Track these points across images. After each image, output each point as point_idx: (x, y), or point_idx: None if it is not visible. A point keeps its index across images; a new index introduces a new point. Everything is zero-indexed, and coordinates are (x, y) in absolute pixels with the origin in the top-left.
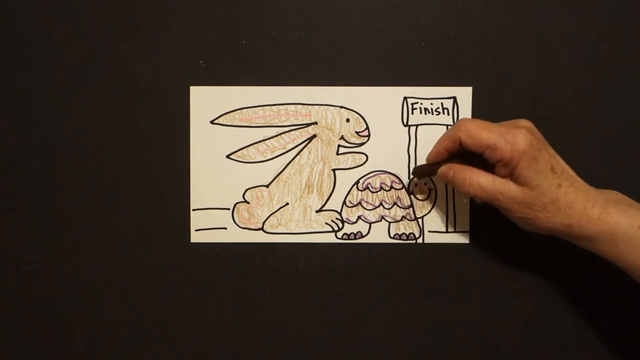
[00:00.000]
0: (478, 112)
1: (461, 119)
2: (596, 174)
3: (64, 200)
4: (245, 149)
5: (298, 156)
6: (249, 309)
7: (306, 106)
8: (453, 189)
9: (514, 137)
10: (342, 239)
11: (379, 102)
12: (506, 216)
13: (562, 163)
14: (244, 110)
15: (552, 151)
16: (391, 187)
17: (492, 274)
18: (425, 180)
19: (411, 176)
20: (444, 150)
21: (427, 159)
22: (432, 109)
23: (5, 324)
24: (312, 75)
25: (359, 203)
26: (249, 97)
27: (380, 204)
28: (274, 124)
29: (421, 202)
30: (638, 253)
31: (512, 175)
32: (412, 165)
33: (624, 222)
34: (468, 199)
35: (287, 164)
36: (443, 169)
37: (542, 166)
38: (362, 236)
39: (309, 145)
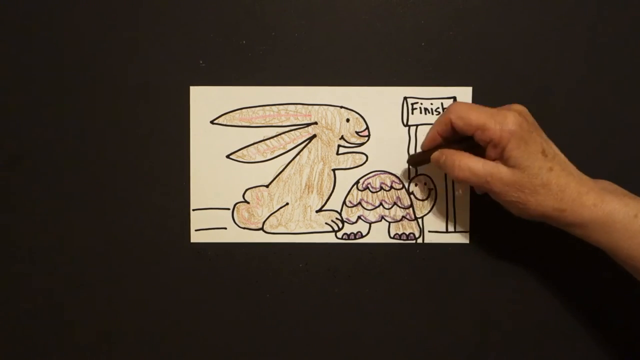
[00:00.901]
0: None
1: (453, 103)
2: (596, 172)
3: (64, 200)
4: (245, 149)
5: (298, 156)
6: (249, 309)
7: (306, 106)
8: (453, 188)
9: (504, 118)
10: (342, 239)
11: (379, 102)
12: (501, 206)
13: (555, 148)
14: (244, 110)
15: (544, 136)
16: (391, 187)
17: (492, 274)
18: (426, 180)
19: (407, 165)
20: (437, 135)
21: (421, 146)
22: (432, 109)
23: (5, 324)
24: (312, 75)
25: (359, 203)
26: (249, 97)
27: (380, 204)
28: (274, 124)
29: (421, 202)
30: (632, 242)
31: (502, 156)
32: (412, 168)
33: (620, 209)
34: (467, 198)
35: (287, 164)
36: (436, 154)
37: (532, 148)
38: (362, 236)
39: (309, 145)
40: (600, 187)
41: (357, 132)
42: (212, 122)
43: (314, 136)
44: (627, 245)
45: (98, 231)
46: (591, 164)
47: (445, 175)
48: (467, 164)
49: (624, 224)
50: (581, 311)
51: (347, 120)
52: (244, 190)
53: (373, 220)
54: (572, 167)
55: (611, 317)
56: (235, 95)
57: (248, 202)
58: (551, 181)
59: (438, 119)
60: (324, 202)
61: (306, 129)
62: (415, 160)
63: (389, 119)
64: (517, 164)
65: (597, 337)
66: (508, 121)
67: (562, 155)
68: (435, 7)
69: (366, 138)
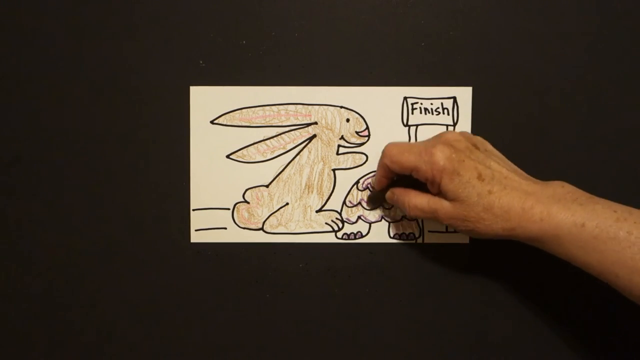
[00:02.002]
0: (478, 112)
1: (386, 145)
2: (596, 172)
3: (64, 199)
4: (245, 149)
5: (298, 156)
6: (248, 309)
7: (306, 106)
8: None
9: (431, 156)
10: (342, 239)
11: (379, 102)
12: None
13: (493, 165)
14: (244, 110)
15: (479, 156)
16: None
17: (491, 274)
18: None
19: (368, 205)
20: (383, 178)
21: (375, 187)
22: (432, 109)
23: (5, 324)
24: (312, 75)
25: (359, 203)
26: (249, 97)
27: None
28: (274, 124)
29: None
30: (585, 251)
31: (440, 192)
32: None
33: (567, 220)
34: None
35: (287, 164)
36: (388, 194)
37: (466, 177)
38: (362, 236)
39: (309, 145)
40: (547, 196)
41: (357, 132)
42: (212, 122)
43: (314, 136)
44: (581, 254)
45: (98, 231)
46: (591, 164)
47: None
48: (414, 203)
49: (573, 234)
50: (582, 310)
51: (347, 120)
52: (244, 190)
53: (373, 220)
54: (514, 180)
55: (611, 317)
56: (235, 95)
57: (248, 202)
58: (493, 204)
59: (378, 163)
60: (324, 202)
61: (306, 129)
62: (373, 200)
63: (389, 119)
64: (455, 197)
65: (597, 336)
66: (435, 158)
67: (502, 170)
68: (435, 7)
69: (366, 138)
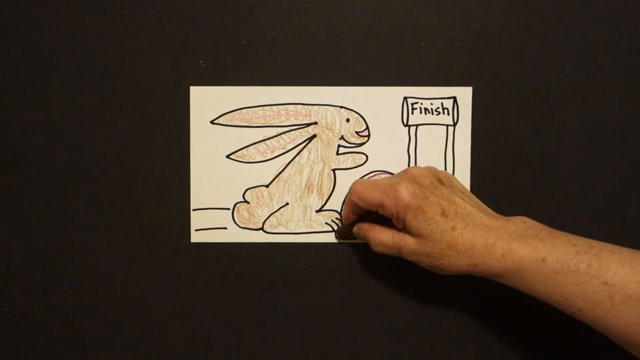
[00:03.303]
0: (478, 112)
1: (353, 182)
2: (596, 172)
3: (64, 200)
4: (245, 149)
5: (298, 156)
6: (249, 309)
7: (306, 106)
8: None
9: (395, 192)
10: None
11: (379, 102)
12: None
13: (458, 201)
14: (244, 110)
15: (444, 192)
16: None
17: None
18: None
19: (336, 237)
20: (350, 214)
21: (343, 221)
22: (432, 109)
23: (4, 324)
24: (312, 75)
25: None
26: (249, 97)
27: None
28: (274, 124)
29: None
30: (547, 285)
31: (404, 228)
32: (412, 165)
33: (528, 255)
34: None
35: (287, 164)
36: (355, 229)
37: (430, 214)
38: None
39: (309, 145)
40: (509, 232)
41: (357, 132)
42: (212, 122)
43: (314, 136)
44: (543, 289)
45: (98, 231)
46: (591, 164)
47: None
48: (379, 239)
49: (535, 269)
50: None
51: (347, 120)
52: (244, 190)
53: None
54: (477, 217)
55: None
56: (235, 95)
57: (248, 202)
58: (457, 241)
59: (345, 199)
60: (324, 202)
61: (306, 129)
62: (342, 234)
63: (389, 119)
64: (419, 233)
65: (597, 336)
66: (400, 195)
67: (465, 206)
68: (435, 7)
69: (366, 138)
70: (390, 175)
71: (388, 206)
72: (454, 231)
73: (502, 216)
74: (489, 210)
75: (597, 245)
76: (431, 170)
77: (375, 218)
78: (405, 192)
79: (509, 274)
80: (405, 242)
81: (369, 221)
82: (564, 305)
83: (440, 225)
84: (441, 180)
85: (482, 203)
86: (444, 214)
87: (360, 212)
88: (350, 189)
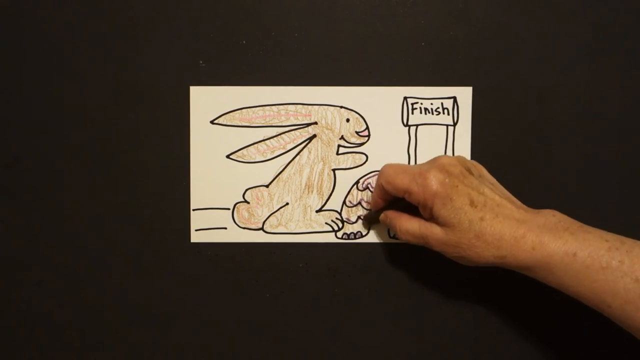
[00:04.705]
0: (478, 112)
1: (384, 165)
2: (596, 173)
3: (64, 200)
4: (245, 149)
5: (298, 156)
6: (249, 309)
7: (306, 106)
8: None
9: (424, 180)
10: (342, 239)
11: (379, 102)
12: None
13: (486, 191)
14: (244, 110)
15: (473, 182)
16: None
17: (491, 274)
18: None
19: (364, 223)
20: (378, 199)
21: (370, 207)
22: (432, 109)
23: (4, 325)
24: (312, 75)
25: (359, 203)
26: (249, 97)
27: None
28: (274, 124)
29: None
30: (577, 280)
31: (432, 217)
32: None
33: (558, 250)
34: None
35: (287, 164)
36: (381, 217)
37: (458, 203)
38: (362, 236)
39: (309, 145)
40: (539, 225)
41: (357, 132)
42: (212, 122)
43: (314, 136)
44: (573, 284)
45: (98, 231)
46: (591, 164)
47: None
48: (406, 227)
49: (565, 263)
50: (581, 311)
51: (347, 120)
52: (244, 190)
53: None
54: (507, 209)
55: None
56: (235, 95)
57: (248, 202)
58: (485, 232)
59: (376, 182)
60: (324, 202)
61: (306, 129)
62: (369, 220)
63: (389, 119)
64: (446, 223)
65: (596, 336)
66: (429, 182)
67: (494, 197)
68: (435, 7)
69: (366, 138)
70: (419, 164)
71: (416, 193)
72: (483, 222)
73: (531, 209)
74: (518, 202)
75: (628, 242)
76: (461, 160)
77: (402, 207)
78: (434, 180)
79: (538, 267)
80: (432, 232)
81: (395, 209)
82: (593, 301)
83: (469, 215)
84: (470, 170)
85: (510, 195)
86: (472, 204)
87: (389, 199)
88: (381, 171)
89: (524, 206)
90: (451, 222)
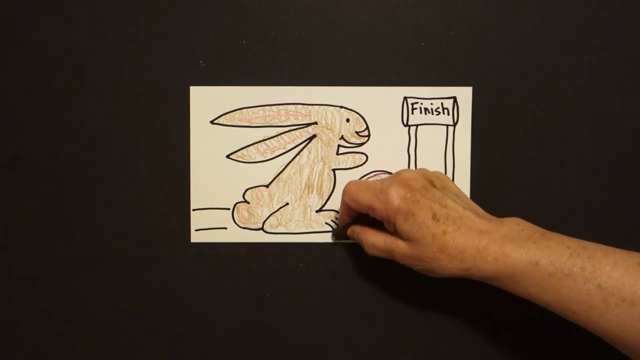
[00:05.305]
0: (478, 112)
1: (347, 183)
2: (597, 173)
3: (64, 200)
4: (245, 149)
5: (298, 156)
6: (248, 309)
7: (306, 106)
8: None
9: (386, 196)
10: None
11: (379, 102)
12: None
13: (450, 204)
14: (244, 110)
15: (435, 195)
16: None
17: None
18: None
19: (333, 238)
20: (345, 215)
21: (339, 222)
22: (432, 109)
23: (3, 325)
24: (312, 75)
25: None
26: (249, 97)
27: None
28: (274, 124)
29: None
30: (541, 289)
31: (395, 231)
32: (412, 166)
33: (521, 259)
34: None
35: (287, 164)
36: (348, 231)
37: (420, 217)
38: None
39: (309, 145)
40: (502, 235)
41: (357, 132)
42: (212, 122)
43: (314, 136)
44: (538, 292)
45: (98, 231)
46: (591, 164)
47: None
48: (372, 241)
49: (528, 273)
50: None
51: (347, 120)
52: (244, 190)
53: None
54: (469, 219)
55: None
56: (235, 95)
57: (248, 202)
58: (448, 245)
59: (341, 199)
60: (324, 202)
61: (306, 129)
62: (337, 236)
63: (389, 119)
64: (410, 237)
65: (596, 337)
66: (390, 198)
67: (457, 209)
68: (435, 7)
69: (366, 138)
70: (384, 177)
71: (379, 209)
72: (445, 235)
73: (495, 218)
74: (482, 212)
75: (590, 246)
76: (423, 173)
77: (370, 221)
78: (395, 196)
79: (502, 277)
80: (397, 246)
81: (362, 224)
82: (558, 308)
83: (431, 229)
84: (433, 182)
85: (475, 205)
86: (435, 217)
87: (355, 214)
88: (344, 189)
89: (488, 216)
90: (414, 236)
